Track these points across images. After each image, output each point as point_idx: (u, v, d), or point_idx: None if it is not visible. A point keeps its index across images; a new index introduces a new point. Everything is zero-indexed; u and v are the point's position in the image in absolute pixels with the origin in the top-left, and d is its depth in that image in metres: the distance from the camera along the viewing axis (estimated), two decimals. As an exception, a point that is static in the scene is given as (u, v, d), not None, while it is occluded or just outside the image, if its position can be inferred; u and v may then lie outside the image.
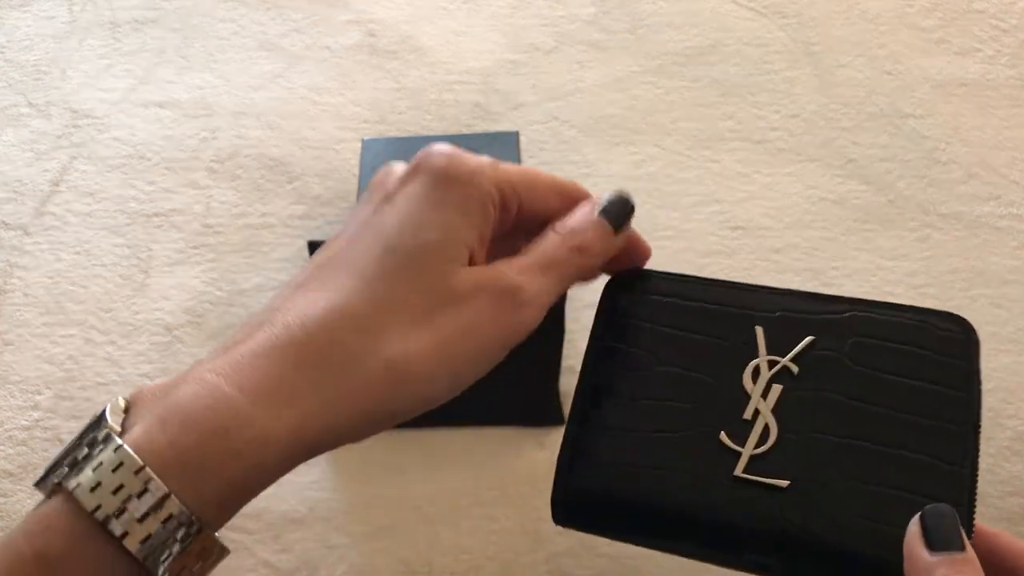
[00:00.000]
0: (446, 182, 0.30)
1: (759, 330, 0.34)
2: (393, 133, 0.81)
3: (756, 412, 0.32)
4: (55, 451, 0.63)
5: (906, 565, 0.28)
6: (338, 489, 0.62)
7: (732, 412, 0.33)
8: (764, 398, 0.33)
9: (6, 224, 0.76)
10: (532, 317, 0.30)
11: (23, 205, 0.78)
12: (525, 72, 0.86)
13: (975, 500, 0.30)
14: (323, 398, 0.27)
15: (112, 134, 0.82)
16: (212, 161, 0.80)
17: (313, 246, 0.63)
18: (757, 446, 0.32)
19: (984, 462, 0.62)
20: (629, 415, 0.33)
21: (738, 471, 0.32)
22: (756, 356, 0.34)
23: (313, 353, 0.27)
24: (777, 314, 0.34)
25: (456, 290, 0.29)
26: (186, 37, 0.90)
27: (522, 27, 0.90)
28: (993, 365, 0.66)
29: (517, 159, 0.72)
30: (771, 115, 0.82)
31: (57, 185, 0.79)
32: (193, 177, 0.79)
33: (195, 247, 0.74)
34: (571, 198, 0.34)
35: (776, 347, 0.33)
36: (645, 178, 0.78)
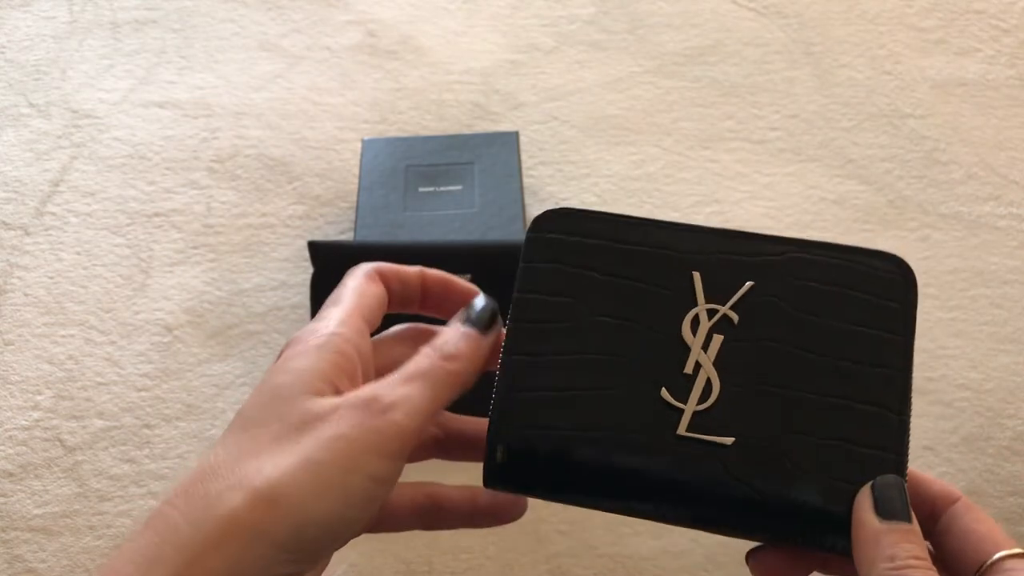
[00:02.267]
0: (279, 354, 0.32)
1: (696, 276, 0.33)
2: (393, 133, 0.82)
3: (697, 365, 0.31)
4: (55, 451, 0.63)
5: (855, 530, 0.29)
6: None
7: (672, 365, 0.32)
8: (705, 350, 0.32)
9: (6, 224, 0.76)
10: (401, 421, 0.29)
11: (23, 205, 0.78)
12: (525, 72, 0.86)
13: (908, 445, 0.31)
14: (188, 551, 0.27)
15: (112, 134, 0.82)
16: (212, 161, 0.80)
17: (313, 246, 0.63)
18: (700, 402, 0.31)
19: (984, 462, 0.62)
20: (562, 371, 0.32)
21: (681, 430, 0.31)
22: (694, 304, 0.32)
23: (177, 516, 0.28)
24: (715, 257, 0.33)
25: (315, 412, 0.29)
26: (186, 37, 0.90)
27: (522, 27, 0.90)
28: (993, 365, 0.66)
29: (517, 159, 0.72)
30: (771, 115, 0.82)
31: (57, 185, 0.79)
32: (193, 177, 0.79)
33: (195, 247, 0.74)
34: (378, 279, 0.35)
35: (715, 293, 0.32)
36: (645, 178, 0.78)
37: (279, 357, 0.32)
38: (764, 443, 0.30)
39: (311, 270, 0.63)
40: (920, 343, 0.67)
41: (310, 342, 0.31)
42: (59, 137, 0.82)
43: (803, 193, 0.77)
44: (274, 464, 0.28)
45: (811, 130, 0.81)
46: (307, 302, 0.66)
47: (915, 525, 0.29)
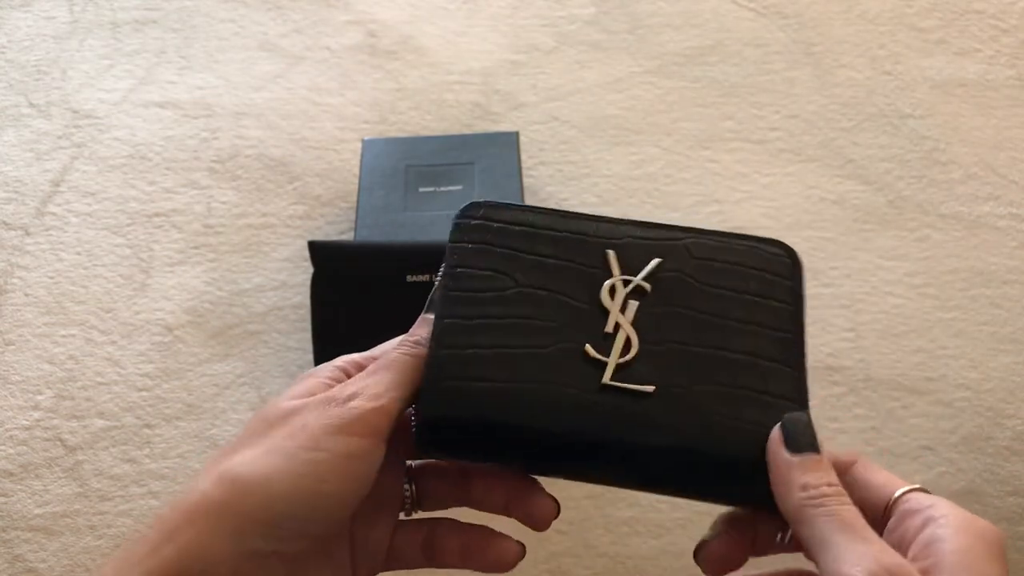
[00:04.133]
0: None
1: (611, 253, 0.36)
2: (393, 133, 0.82)
3: (617, 326, 0.34)
4: (56, 451, 0.63)
5: (771, 467, 0.31)
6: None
7: (594, 327, 0.34)
8: (623, 313, 0.34)
9: (7, 224, 0.77)
10: (362, 404, 0.32)
11: (24, 205, 0.78)
12: (525, 72, 0.86)
13: (808, 399, 0.33)
14: (165, 529, 0.30)
15: (113, 134, 0.82)
16: (213, 161, 0.80)
17: (313, 246, 0.63)
18: (621, 355, 0.33)
19: (984, 462, 0.62)
20: (491, 332, 0.34)
21: (605, 379, 0.33)
22: (611, 276, 0.35)
23: (165, 509, 0.31)
24: (624, 240, 0.36)
25: (285, 409, 0.32)
26: (187, 37, 0.90)
27: (522, 27, 0.90)
28: (993, 365, 0.67)
29: (517, 159, 0.72)
30: (771, 115, 0.82)
31: (58, 185, 0.79)
32: (194, 177, 0.79)
33: (196, 247, 0.74)
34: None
35: (628, 268, 0.35)
36: (645, 178, 0.78)
37: None
38: (682, 392, 0.33)
39: (311, 270, 0.63)
40: (920, 343, 0.68)
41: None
42: (59, 137, 0.82)
43: (803, 193, 0.77)
44: (244, 454, 0.31)
45: (811, 130, 0.81)
46: (307, 302, 0.66)
47: (824, 455, 0.31)
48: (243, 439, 0.32)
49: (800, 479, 0.30)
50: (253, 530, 0.30)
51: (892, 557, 0.28)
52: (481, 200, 0.37)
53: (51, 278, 0.73)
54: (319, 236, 0.74)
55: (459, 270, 0.35)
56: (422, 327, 0.35)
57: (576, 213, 0.37)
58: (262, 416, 0.33)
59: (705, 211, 0.76)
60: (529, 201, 0.76)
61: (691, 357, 0.34)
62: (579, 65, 0.87)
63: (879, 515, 0.32)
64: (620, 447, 0.32)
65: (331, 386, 0.33)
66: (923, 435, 0.63)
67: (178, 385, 0.66)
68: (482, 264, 0.35)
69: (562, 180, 0.78)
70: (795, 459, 0.31)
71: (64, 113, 0.84)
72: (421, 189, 0.70)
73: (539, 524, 0.35)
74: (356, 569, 0.34)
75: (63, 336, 0.69)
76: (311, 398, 0.32)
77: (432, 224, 0.67)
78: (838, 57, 0.87)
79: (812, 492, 0.30)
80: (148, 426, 0.65)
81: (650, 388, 0.33)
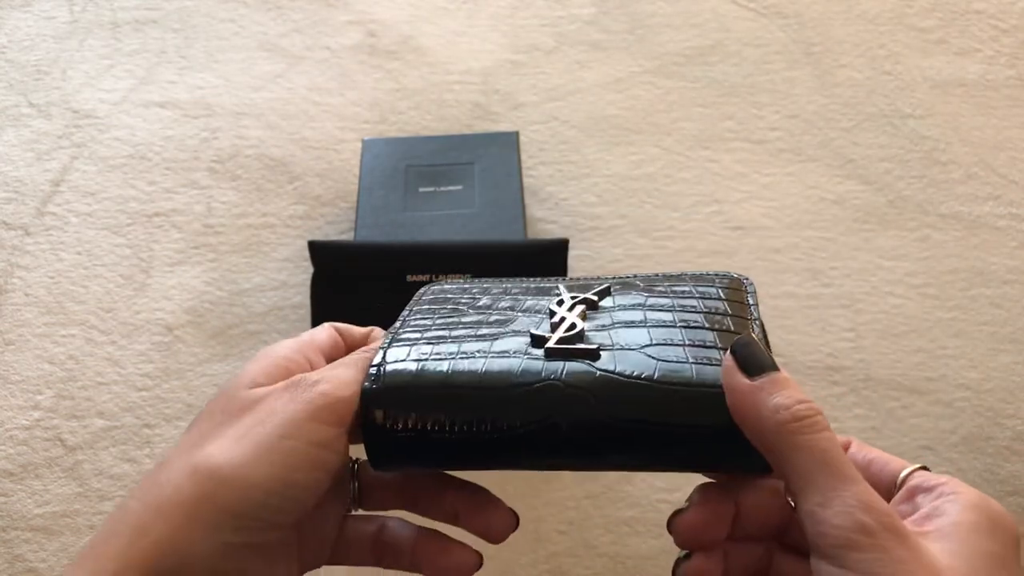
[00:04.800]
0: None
1: (562, 286, 0.37)
2: (393, 133, 0.82)
3: (563, 318, 0.34)
4: (56, 450, 0.63)
5: (730, 399, 0.29)
6: (338, 489, 0.62)
7: (540, 323, 0.35)
8: (570, 311, 0.35)
9: (7, 224, 0.77)
10: (328, 389, 0.31)
11: (24, 205, 0.78)
12: (525, 72, 0.86)
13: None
14: (139, 525, 0.29)
15: (113, 134, 0.82)
16: (213, 161, 0.80)
17: (313, 246, 0.63)
18: (566, 332, 0.33)
19: (984, 462, 0.62)
20: (441, 342, 0.34)
21: (551, 344, 0.33)
22: (560, 294, 0.36)
23: (133, 502, 0.30)
24: (573, 282, 0.39)
25: (253, 397, 0.32)
26: (187, 37, 0.90)
27: (522, 27, 0.90)
28: (993, 365, 0.67)
29: (517, 159, 0.72)
30: (771, 115, 0.82)
31: (58, 185, 0.79)
32: (194, 177, 0.79)
33: (196, 247, 0.74)
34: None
35: (577, 293, 0.37)
36: (645, 178, 0.78)
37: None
38: (625, 348, 0.32)
39: (311, 270, 0.63)
40: (920, 343, 0.68)
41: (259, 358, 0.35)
42: (60, 137, 0.82)
43: (803, 193, 0.77)
44: (216, 444, 0.30)
45: (811, 130, 0.81)
46: (307, 302, 0.66)
47: (784, 372, 0.29)
48: (209, 427, 0.31)
49: (769, 402, 0.28)
50: (227, 523, 0.29)
51: (880, 503, 0.26)
52: (432, 285, 0.40)
53: (51, 278, 0.73)
54: (319, 236, 0.74)
55: (412, 313, 0.37)
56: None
57: (538, 281, 0.39)
58: (225, 401, 0.32)
59: (705, 211, 0.76)
60: (529, 201, 0.76)
61: (635, 332, 0.33)
62: (579, 65, 0.87)
63: (885, 493, 0.30)
64: (564, 404, 0.30)
65: (291, 369, 0.33)
66: (923, 435, 0.63)
67: (178, 385, 0.66)
68: (438, 308, 0.37)
69: (562, 180, 0.78)
70: (757, 382, 0.28)
71: (64, 113, 0.84)
72: (421, 189, 0.70)
73: (496, 536, 0.34)
74: (303, 560, 0.34)
75: (63, 336, 0.69)
76: (277, 385, 0.32)
77: (432, 224, 0.67)
78: (838, 57, 0.87)
79: (785, 414, 0.27)
80: (148, 426, 0.65)
81: (593, 346, 0.32)
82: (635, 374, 0.31)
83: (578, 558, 0.58)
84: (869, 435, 0.63)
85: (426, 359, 0.33)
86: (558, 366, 0.31)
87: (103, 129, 0.83)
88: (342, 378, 0.32)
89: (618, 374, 0.31)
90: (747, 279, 0.37)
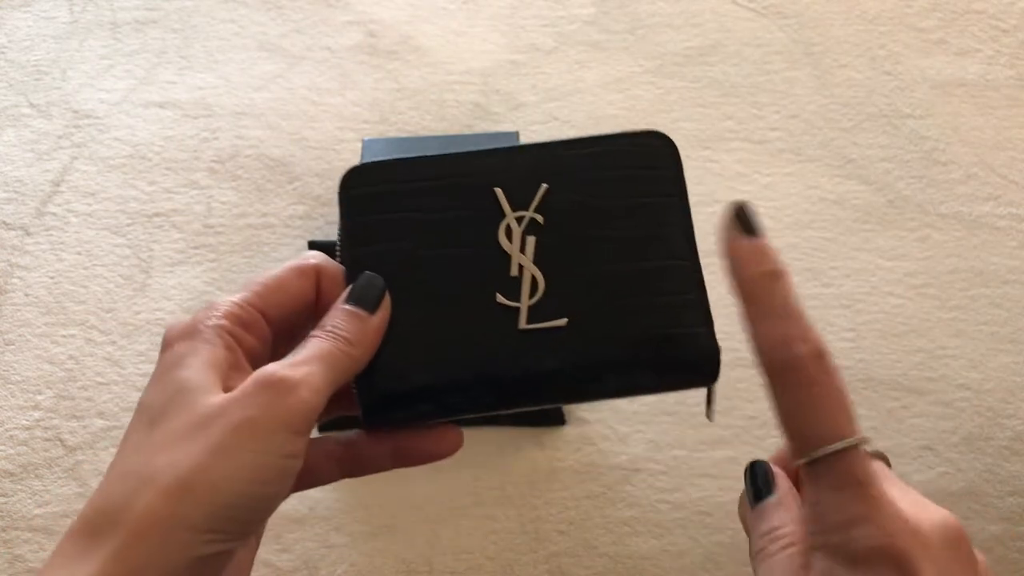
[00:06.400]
0: (167, 343, 0.33)
1: (499, 191, 0.36)
2: (393, 133, 0.82)
3: (520, 267, 0.35)
4: (56, 451, 0.63)
5: (726, 249, 0.33)
6: (338, 489, 0.62)
7: (500, 273, 0.35)
8: (523, 252, 0.35)
9: (7, 224, 0.77)
10: (307, 398, 0.31)
11: (24, 205, 0.78)
12: (525, 72, 0.86)
13: (703, 283, 0.36)
14: (112, 549, 0.28)
15: (113, 134, 0.82)
16: (213, 161, 0.80)
17: (313, 246, 0.63)
18: (530, 297, 0.34)
19: (984, 462, 0.62)
20: (403, 308, 0.34)
21: (522, 324, 0.34)
22: (503, 216, 0.36)
23: (101, 520, 0.29)
24: (510, 173, 0.37)
25: (222, 402, 0.30)
26: (187, 37, 0.90)
27: (522, 27, 0.90)
28: (993, 365, 0.67)
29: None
30: (771, 115, 0.82)
31: (58, 185, 0.79)
32: (194, 177, 0.79)
33: (196, 247, 0.74)
34: (313, 277, 0.37)
35: (517, 203, 0.36)
36: (645, 178, 0.78)
37: (168, 345, 0.33)
38: (594, 316, 0.34)
39: (311, 270, 0.63)
40: (920, 343, 0.68)
41: (202, 334, 0.33)
42: (60, 137, 0.82)
43: (803, 193, 0.77)
44: (186, 454, 0.29)
45: (811, 130, 0.81)
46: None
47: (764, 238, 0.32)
48: (178, 428, 0.30)
49: (763, 267, 0.32)
50: (202, 539, 0.29)
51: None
52: (358, 166, 0.37)
53: (51, 278, 0.73)
54: (319, 236, 0.74)
55: (359, 250, 0.35)
56: (356, 324, 0.34)
57: (455, 154, 0.37)
58: (190, 405, 0.30)
59: (705, 211, 0.75)
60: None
61: (594, 282, 0.35)
62: (579, 65, 0.87)
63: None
64: (548, 381, 0.34)
65: (232, 353, 0.32)
66: (923, 435, 0.63)
67: (178, 385, 0.66)
68: (377, 238, 0.35)
69: (562, 180, 0.78)
70: (753, 241, 0.32)
71: (64, 113, 0.84)
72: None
73: (445, 452, 0.35)
74: (258, 535, 0.34)
75: (63, 336, 0.69)
76: (247, 387, 0.31)
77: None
78: (838, 57, 0.87)
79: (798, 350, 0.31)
80: (148, 426, 0.65)
81: (562, 322, 0.34)
82: (602, 335, 0.34)
83: (578, 558, 0.58)
84: (869, 435, 0.63)
85: (403, 341, 0.34)
86: (533, 352, 0.34)
87: (103, 129, 0.83)
88: (318, 384, 0.31)
89: (588, 353, 0.34)
90: (670, 141, 0.39)
